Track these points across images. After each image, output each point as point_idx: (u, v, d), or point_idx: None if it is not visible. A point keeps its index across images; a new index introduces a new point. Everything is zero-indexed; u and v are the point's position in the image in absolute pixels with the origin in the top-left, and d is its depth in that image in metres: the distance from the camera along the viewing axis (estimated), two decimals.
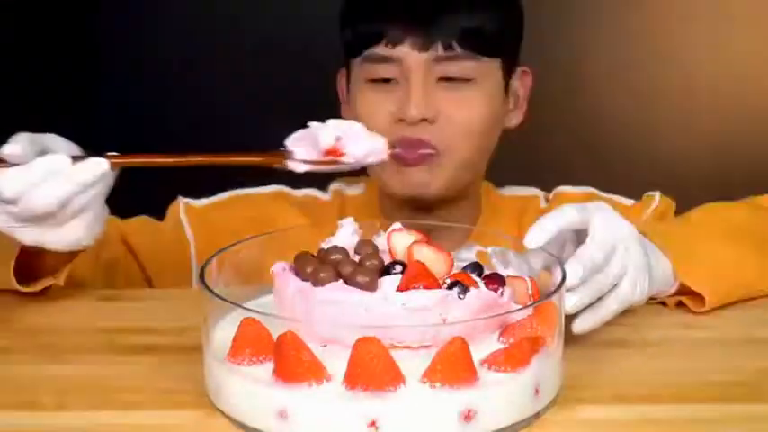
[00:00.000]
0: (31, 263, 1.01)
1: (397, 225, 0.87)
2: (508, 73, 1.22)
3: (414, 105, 1.14)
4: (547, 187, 1.36)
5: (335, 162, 0.91)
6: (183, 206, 1.30)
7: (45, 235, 0.90)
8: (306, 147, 0.91)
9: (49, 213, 0.88)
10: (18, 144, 0.87)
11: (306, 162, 0.91)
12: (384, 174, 1.20)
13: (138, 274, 1.23)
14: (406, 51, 1.15)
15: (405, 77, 1.16)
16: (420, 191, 1.19)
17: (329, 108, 1.31)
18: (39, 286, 1.03)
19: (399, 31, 1.15)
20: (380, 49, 1.16)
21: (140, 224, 1.26)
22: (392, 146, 1.07)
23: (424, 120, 1.15)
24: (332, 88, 1.30)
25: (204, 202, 1.32)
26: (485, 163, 1.26)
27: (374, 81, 1.18)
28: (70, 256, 1.02)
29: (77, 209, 0.89)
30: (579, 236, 0.92)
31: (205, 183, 1.26)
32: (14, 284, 1.01)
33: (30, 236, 0.91)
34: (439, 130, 1.16)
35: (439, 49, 1.15)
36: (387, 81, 1.17)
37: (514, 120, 1.27)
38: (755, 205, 1.14)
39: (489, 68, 1.19)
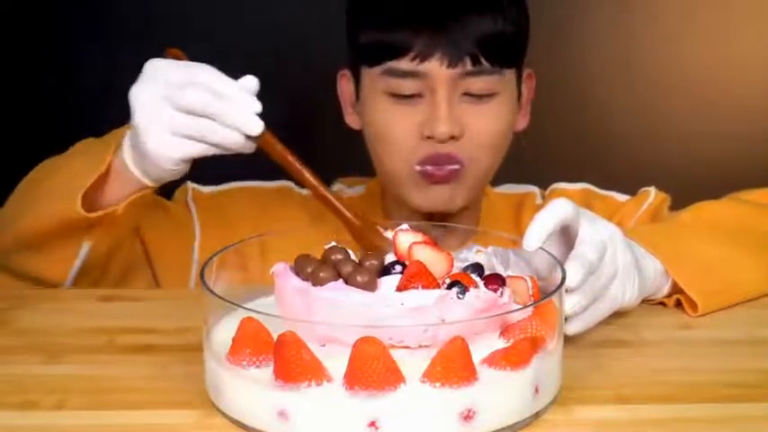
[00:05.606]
0: (96, 199, 1.04)
1: (405, 225, 0.87)
2: (520, 79, 1.22)
3: (443, 123, 1.13)
4: (543, 185, 1.36)
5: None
6: (191, 190, 1.29)
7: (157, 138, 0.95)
8: None
9: (194, 111, 0.94)
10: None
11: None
12: (405, 188, 1.19)
13: (139, 253, 1.20)
14: (435, 66, 1.12)
15: (430, 92, 1.14)
16: (445, 207, 1.18)
17: (329, 109, 1.31)
18: (100, 212, 1.03)
19: (428, 44, 1.12)
20: (406, 64, 1.13)
21: None
22: (420, 163, 1.13)
23: (452, 137, 1.14)
24: (333, 89, 1.29)
25: (211, 189, 1.31)
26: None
27: (395, 95, 1.15)
28: (134, 191, 1.04)
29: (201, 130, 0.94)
30: (563, 233, 0.91)
31: (210, 176, 1.26)
32: (78, 208, 1.01)
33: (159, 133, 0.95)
34: (464, 145, 1.15)
35: (467, 65, 1.13)
36: (409, 96, 1.15)
37: (522, 123, 1.26)
38: (752, 203, 1.14)
39: (508, 80, 1.18)
